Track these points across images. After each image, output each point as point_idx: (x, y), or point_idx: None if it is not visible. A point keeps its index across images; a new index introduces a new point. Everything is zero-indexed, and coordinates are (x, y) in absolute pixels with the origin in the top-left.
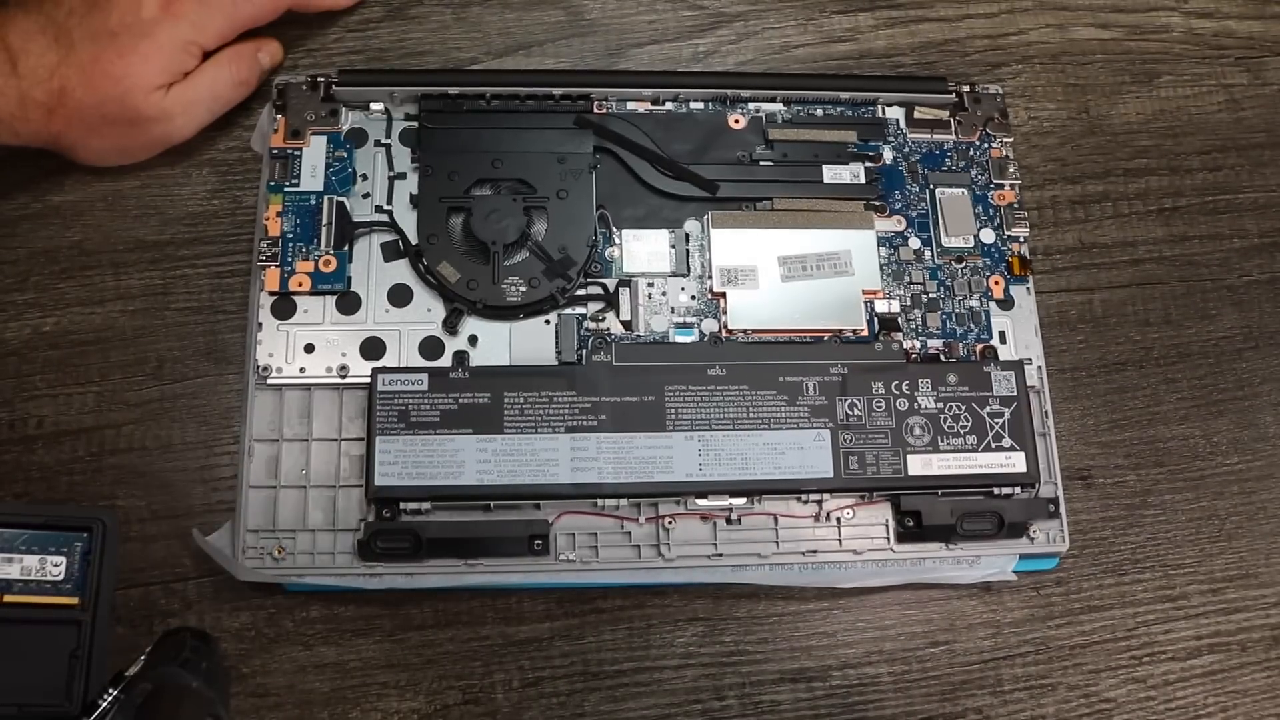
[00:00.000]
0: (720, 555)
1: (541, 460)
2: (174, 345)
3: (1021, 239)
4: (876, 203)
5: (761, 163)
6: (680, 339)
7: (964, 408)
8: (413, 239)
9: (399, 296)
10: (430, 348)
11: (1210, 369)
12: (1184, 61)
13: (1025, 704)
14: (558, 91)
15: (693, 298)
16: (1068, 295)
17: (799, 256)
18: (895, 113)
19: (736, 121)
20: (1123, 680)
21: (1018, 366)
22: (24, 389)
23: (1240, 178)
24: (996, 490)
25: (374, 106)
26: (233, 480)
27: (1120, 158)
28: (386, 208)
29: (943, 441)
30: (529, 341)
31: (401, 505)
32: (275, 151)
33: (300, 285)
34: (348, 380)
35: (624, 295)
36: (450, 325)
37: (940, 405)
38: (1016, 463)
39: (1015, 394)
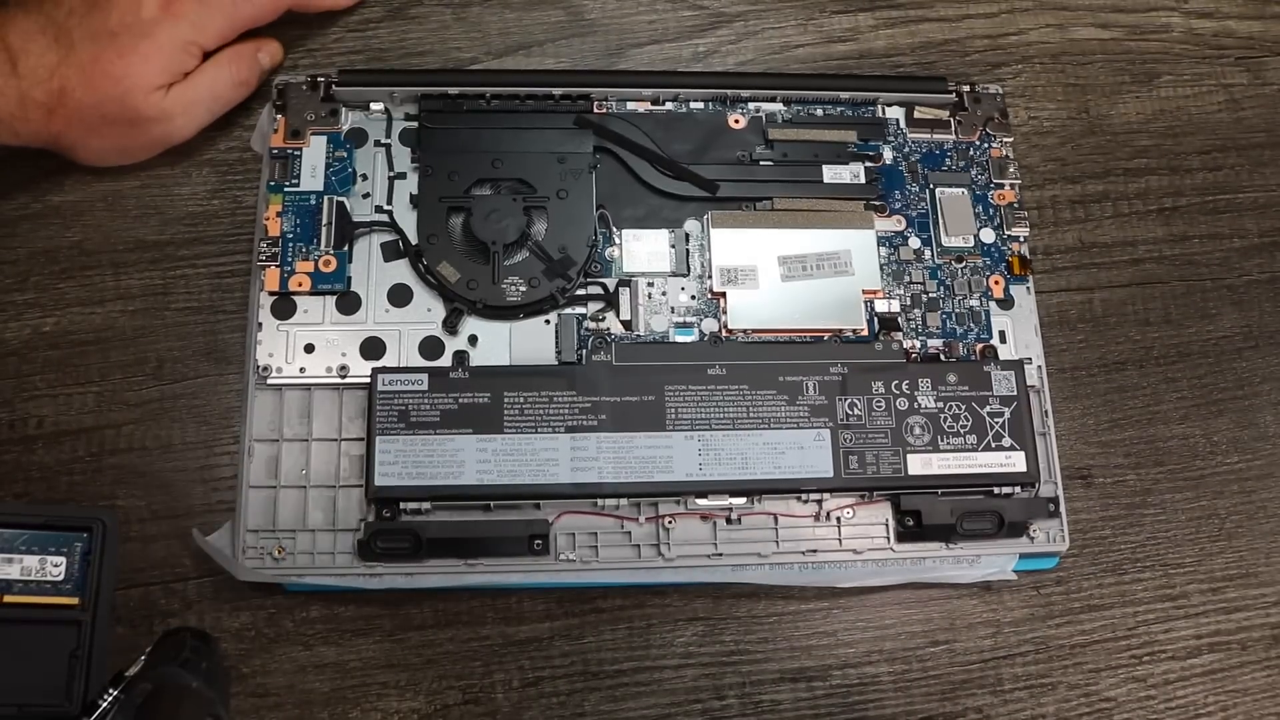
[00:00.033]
0: (720, 555)
1: (541, 460)
2: (174, 345)
3: (1021, 239)
4: (876, 202)
5: (761, 163)
6: (680, 339)
7: (964, 407)
8: (413, 239)
9: (399, 296)
10: (430, 348)
11: (1210, 369)
12: (1184, 61)
13: (1025, 703)
14: (558, 91)
15: (693, 297)
16: (1068, 295)
17: (799, 256)
18: (895, 113)
19: (736, 121)
20: (1123, 680)
21: (1018, 366)
22: (24, 389)
23: (1240, 178)
24: (996, 490)
25: (374, 106)
26: (233, 480)
27: (1120, 157)
28: (386, 208)
29: (943, 441)
30: (529, 341)
31: (401, 505)
32: (275, 151)
33: (300, 285)
34: (348, 380)
35: (624, 295)
36: (450, 325)
37: (940, 405)
38: (1016, 462)
39: (1015, 393)
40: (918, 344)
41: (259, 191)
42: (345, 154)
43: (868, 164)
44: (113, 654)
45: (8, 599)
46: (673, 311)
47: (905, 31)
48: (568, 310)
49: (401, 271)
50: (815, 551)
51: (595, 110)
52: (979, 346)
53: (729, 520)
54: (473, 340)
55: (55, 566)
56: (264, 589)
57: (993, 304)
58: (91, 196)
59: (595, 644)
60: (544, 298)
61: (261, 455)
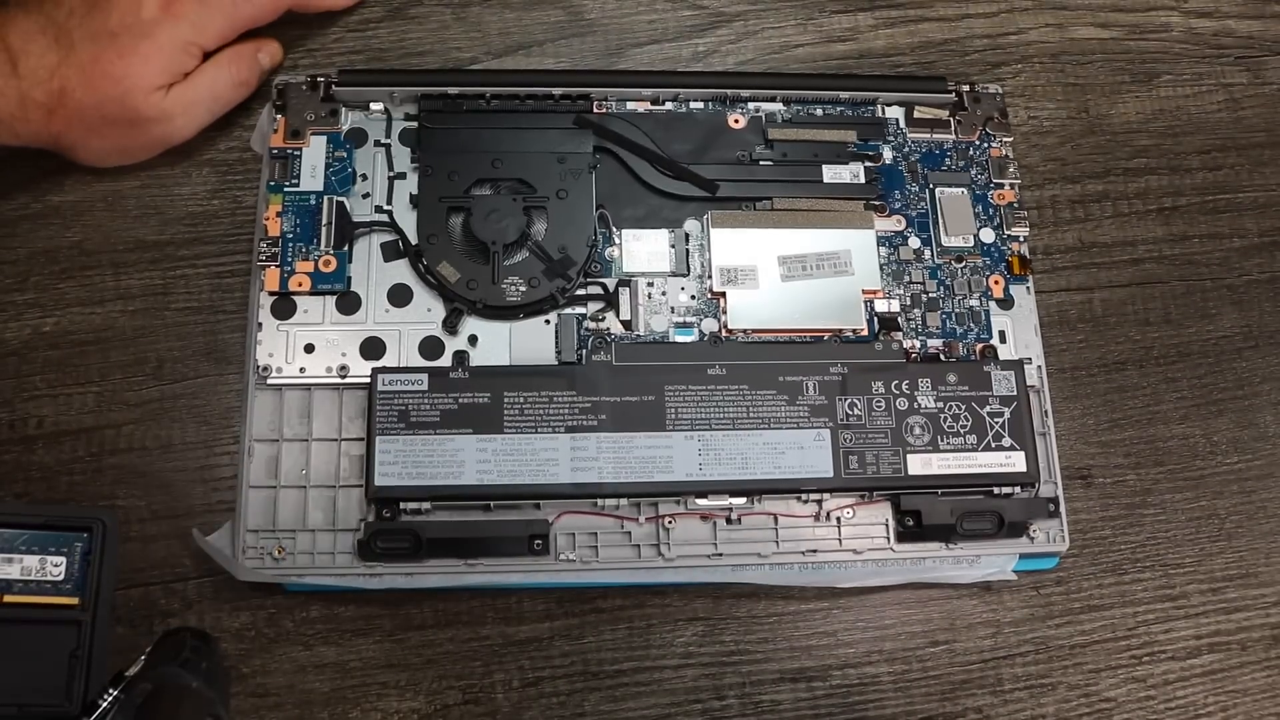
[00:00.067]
0: (720, 555)
1: (541, 460)
2: (174, 345)
3: (1021, 238)
4: (876, 202)
5: (761, 162)
6: (680, 339)
7: (964, 407)
8: (413, 239)
9: (399, 296)
10: (430, 348)
11: (1210, 368)
12: (1184, 61)
13: (1025, 703)
14: (558, 91)
15: (693, 297)
16: (1068, 295)
17: (799, 256)
18: (895, 112)
19: (736, 121)
20: (1123, 680)
21: (1018, 366)
22: (24, 389)
23: (1240, 177)
24: (996, 490)
25: (374, 106)
26: (233, 480)
27: (1120, 157)
28: (386, 208)
29: (943, 441)
30: (529, 341)
31: (401, 505)
32: (275, 151)
33: (300, 285)
34: (348, 380)
35: (624, 295)
36: (450, 325)
37: (940, 405)
38: (1016, 462)
39: (1015, 393)
40: (918, 344)
41: (259, 191)
42: (345, 154)
43: (867, 164)
44: (113, 654)
45: (8, 599)
46: (673, 311)
47: (905, 31)
48: (568, 310)
49: (401, 271)
50: (815, 551)
51: (595, 110)
52: (979, 346)
53: (729, 520)
54: (473, 340)
55: (55, 566)
56: (264, 589)
57: (993, 304)
58: (91, 196)
59: (595, 644)
60: (544, 298)
61: (261, 455)
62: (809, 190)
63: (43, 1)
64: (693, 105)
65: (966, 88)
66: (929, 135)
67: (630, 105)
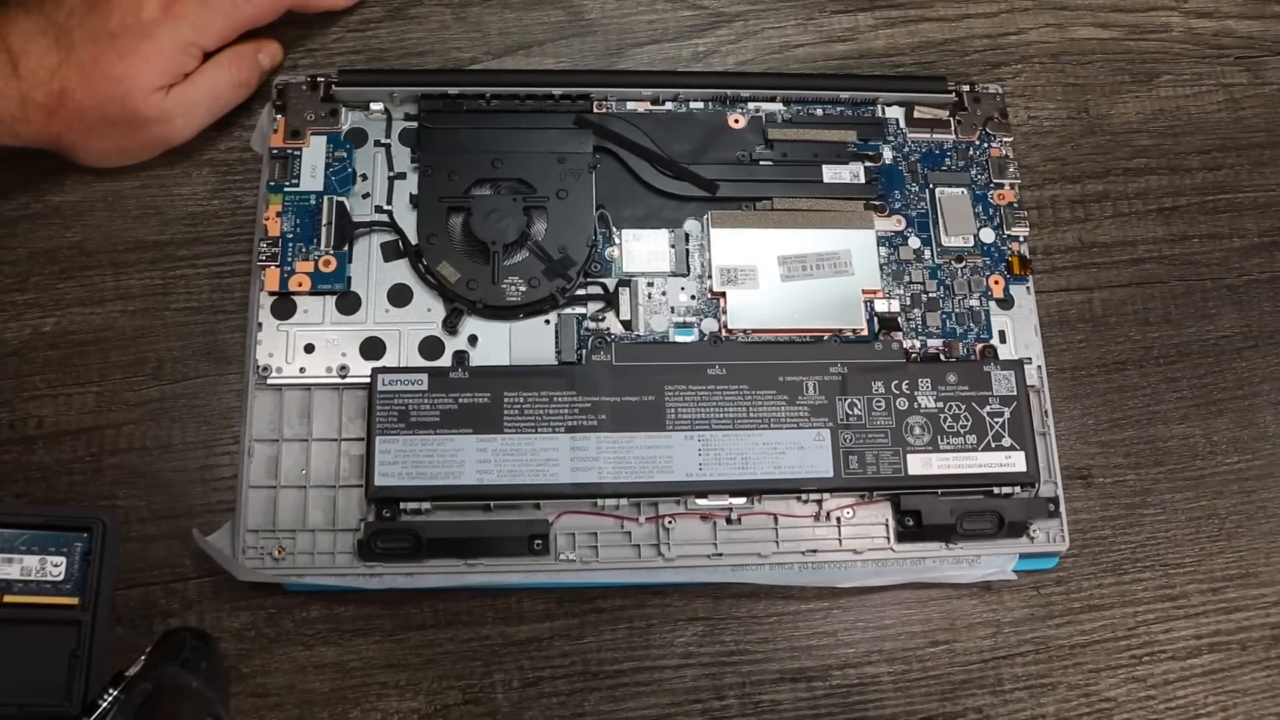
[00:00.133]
0: (720, 555)
1: (541, 460)
2: (174, 345)
3: (1021, 238)
4: (876, 202)
5: (761, 162)
6: (680, 339)
7: (964, 407)
8: (413, 239)
9: (399, 296)
10: (430, 348)
11: (1210, 368)
12: (1184, 61)
13: (1025, 703)
14: (558, 91)
15: (693, 297)
16: (1068, 295)
17: (799, 256)
18: (895, 112)
19: (736, 121)
20: (1123, 680)
21: (1018, 366)
22: (24, 389)
23: (1240, 177)
24: (996, 490)
25: (374, 106)
26: (233, 480)
27: (1120, 157)
28: (386, 208)
29: (943, 441)
30: (529, 341)
31: (401, 505)
32: (275, 151)
33: (300, 285)
34: (348, 380)
35: (624, 295)
36: (450, 325)
37: (940, 405)
38: (1016, 462)
39: (1015, 393)
40: (918, 344)
41: (259, 191)
42: (345, 154)
43: (867, 164)
44: (113, 654)
45: (8, 599)
46: (673, 311)
47: (905, 31)
48: (568, 310)
49: (401, 271)
50: (815, 551)
51: (595, 110)
52: (979, 346)
53: (729, 520)
54: (473, 340)
55: (55, 566)
56: (264, 589)
57: (993, 304)
58: (91, 196)
59: (595, 644)
60: (544, 298)
61: (261, 455)
62: (809, 190)
63: (43, 2)
64: (693, 105)
65: (966, 88)
66: (929, 135)
67: (630, 105)
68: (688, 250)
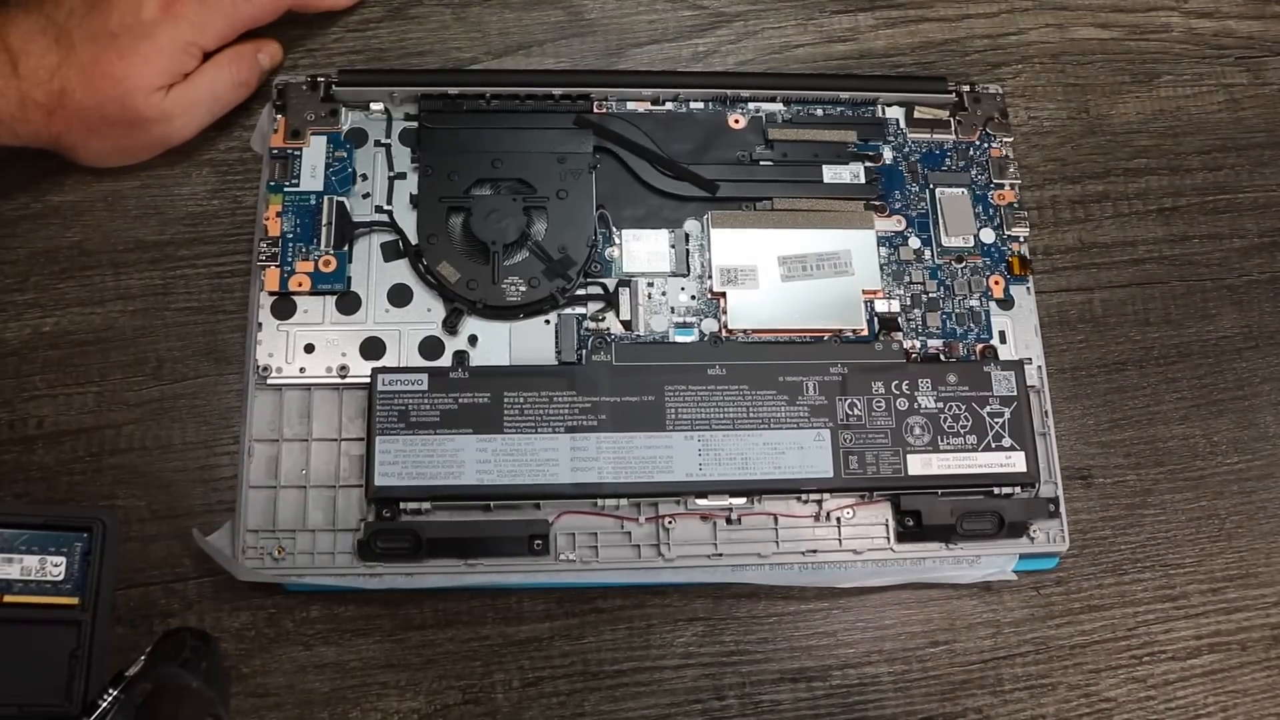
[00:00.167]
0: (720, 555)
1: (541, 460)
2: (174, 345)
3: (1021, 239)
4: (876, 202)
5: (761, 163)
6: (680, 339)
7: (964, 407)
8: (413, 239)
9: (399, 296)
10: (430, 348)
11: (1210, 369)
12: (1184, 61)
13: (1025, 704)
14: (558, 91)
15: (693, 298)
16: (1068, 295)
17: (799, 256)
18: (895, 112)
19: (736, 121)
20: (1123, 680)
21: (1018, 366)
22: (24, 389)
23: (1240, 178)
24: (996, 490)
25: (374, 106)
26: (233, 480)
27: (1120, 157)
28: (386, 208)
29: (943, 441)
30: (529, 341)
31: (401, 505)
32: (275, 151)
33: (300, 285)
34: (348, 380)
35: (624, 295)
36: (450, 325)
37: (940, 405)
38: (1016, 462)
39: (1015, 394)
40: (918, 344)
41: (259, 191)
42: (345, 154)
43: (868, 164)
44: (113, 654)
45: (8, 599)
46: (673, 311)
47: (905, 31)
48: (568, 310)
49: (401, 271)
50: (815, 552)
51: (595, 110)
52: (979, 346)
53: (729, 520)
54: (473, 340)
55: (55, 566)
56: (264, 589)
57: (993, 304)
58: (91, 196)
59: (595, 644)
60: (544, 298)
61: (261, 455)
62: (809, 190)
63: (43, 2)
64: (693, 105)
65: (967, 88)
66: (929, 135)
67: (630, 105)
68: (688, 250)
